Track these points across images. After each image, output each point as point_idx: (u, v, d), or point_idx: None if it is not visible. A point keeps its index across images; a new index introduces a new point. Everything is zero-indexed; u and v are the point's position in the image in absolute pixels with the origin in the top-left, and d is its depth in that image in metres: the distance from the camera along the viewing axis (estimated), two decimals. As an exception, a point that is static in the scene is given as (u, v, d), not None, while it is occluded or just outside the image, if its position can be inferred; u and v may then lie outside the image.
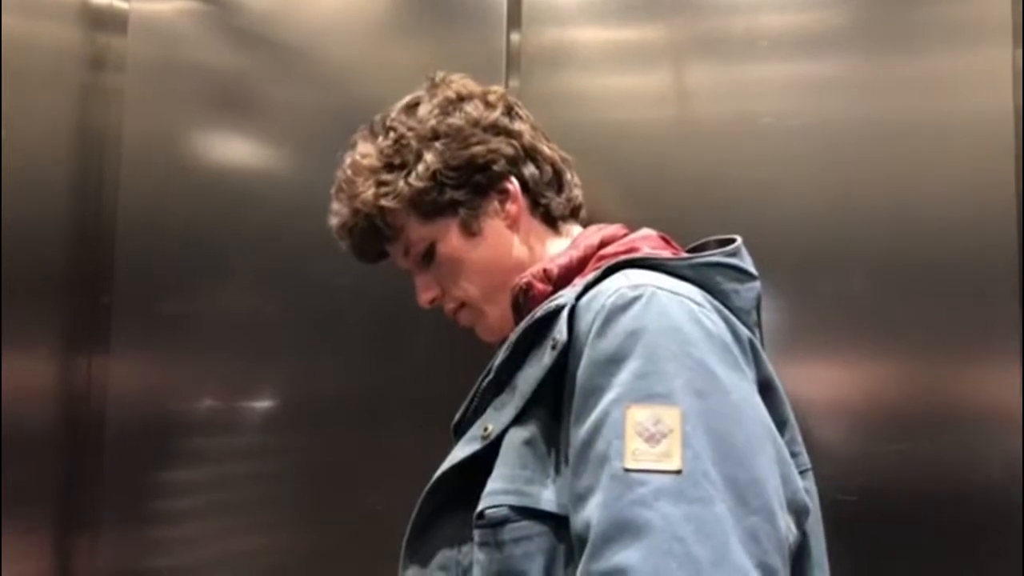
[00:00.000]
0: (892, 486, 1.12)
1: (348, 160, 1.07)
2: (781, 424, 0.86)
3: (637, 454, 0.71)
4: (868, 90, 1.17)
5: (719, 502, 0.69)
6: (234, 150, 1.51)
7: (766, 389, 0.84)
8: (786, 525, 0.74)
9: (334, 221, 1.08)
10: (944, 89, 1.15)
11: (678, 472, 0.70)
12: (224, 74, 1.49)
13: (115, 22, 1.52)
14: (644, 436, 0.72)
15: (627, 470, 0.71)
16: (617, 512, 0.70)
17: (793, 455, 0.85)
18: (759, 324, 0.93)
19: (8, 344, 1.36)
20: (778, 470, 0.76)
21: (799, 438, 0.90)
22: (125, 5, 1.53)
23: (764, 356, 0.87)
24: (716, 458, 0.71)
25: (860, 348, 1.15)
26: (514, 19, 1.35)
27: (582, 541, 0.73)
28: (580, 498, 0.74)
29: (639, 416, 0.72)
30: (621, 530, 0.69)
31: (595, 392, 0.76)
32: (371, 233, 1.06)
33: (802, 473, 0.86)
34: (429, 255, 1.05)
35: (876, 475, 1.12)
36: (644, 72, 1.30)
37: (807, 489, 0.85)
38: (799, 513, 0.80)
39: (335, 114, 1.19)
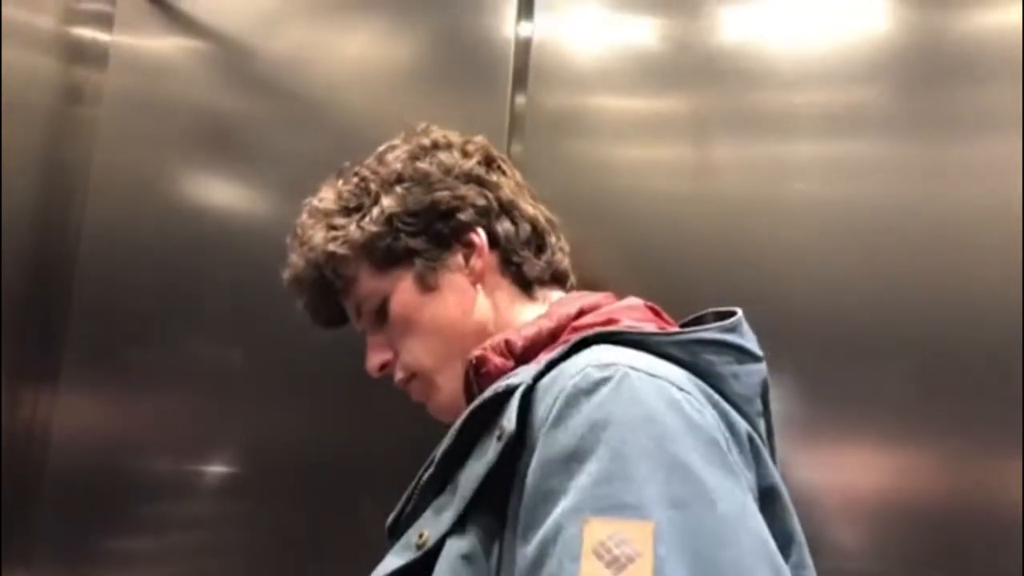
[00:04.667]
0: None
1: (307, 205, 0.98)
2: (786, 541, 0.71)
3: None
4: (897, 174, 1.11)
5: None
6: (207, 191, 1.43)
7: (769, 497, 0.71)
8: None
9: (287, 274, 0.97)
10: (972, 177, 1.08)
11: None
12: (202, 113, 1.41)
13: (96, 55, 1.46)
14: (604, 560, 0.57)
15: None
16: None
17: None
18: (766, 415, 0.79)
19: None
20: None
21: (808, 558, 0.74)
22: (107, 37, 1.47)
23: (768, 457, 0.72)
24: None
25: (884, 438, 1.05)
26: (520, 81, 1.27)
27: None
28: None
29: (600, 533, 0.58)
30: None
31: (548, 498, 0.62)
32: (322, 285, 0.94)
33: None
34: (382, 313, 0.92)
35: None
36: (658, 143, 1.22)
37: None
38: None
39: (313, 160, 1.10)
